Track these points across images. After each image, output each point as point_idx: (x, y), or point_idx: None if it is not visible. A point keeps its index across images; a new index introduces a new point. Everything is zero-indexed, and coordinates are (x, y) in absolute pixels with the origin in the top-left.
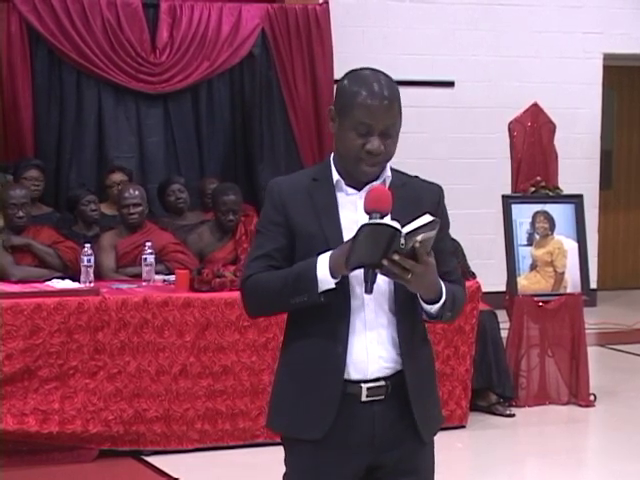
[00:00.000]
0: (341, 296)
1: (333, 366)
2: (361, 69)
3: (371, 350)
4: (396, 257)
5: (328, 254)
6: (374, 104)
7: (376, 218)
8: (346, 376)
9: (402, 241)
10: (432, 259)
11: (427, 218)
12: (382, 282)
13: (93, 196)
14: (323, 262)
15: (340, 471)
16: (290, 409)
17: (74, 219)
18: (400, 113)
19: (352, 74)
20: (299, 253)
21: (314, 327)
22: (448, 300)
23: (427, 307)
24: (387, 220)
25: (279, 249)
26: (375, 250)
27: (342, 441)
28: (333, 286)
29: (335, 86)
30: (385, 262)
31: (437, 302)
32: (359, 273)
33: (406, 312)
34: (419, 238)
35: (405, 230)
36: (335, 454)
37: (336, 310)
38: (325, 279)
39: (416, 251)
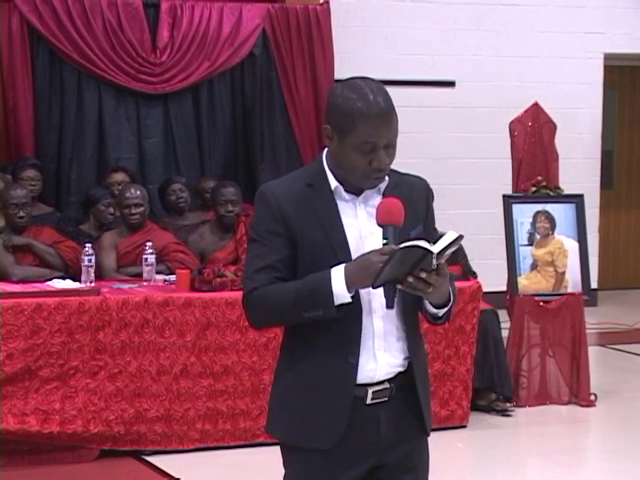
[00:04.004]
0: (352, 308)
1: (344, 376)
2: (351, 80)
3: (380, 357)
4: (423, 275)
5: (342, 267)
6: (376, 121)
7: (390, 231)
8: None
9: (434, 262)
10: (447, 270)
11: (453, 235)
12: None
13: (113, 199)
14: (338, 276)
15: (345, 475)
16: (297, 418)
17: (85, 218)
18: (397, 120)
19: (342, 86)
20: (303, 262)
21: (323, 338)
22: (454, 302)
23: (435, 311)
24: (420, 242)
25: (282, 260)
26: (402, 268)
27: (349, 445)
28: (349, 300)
29: (328, 102)
30: (410, 279)
31: (445, 306)
32: (369, 290)
33: (411, 317)
34: (445, 254)
35: (436, 250)
36: (341, 459)
37: (347, 322)
38: (341, 293)
39: (439, 266)
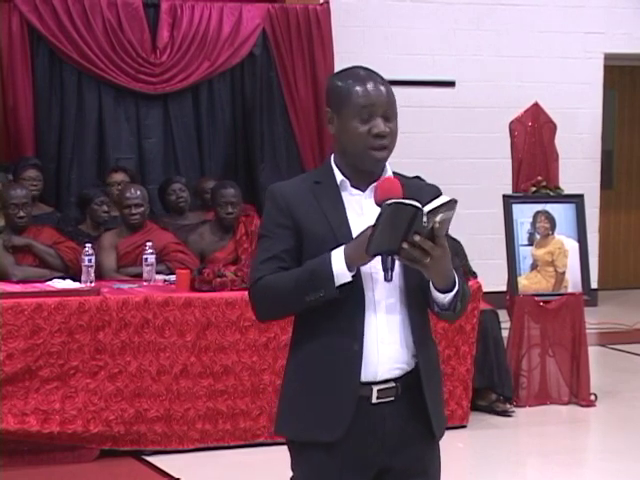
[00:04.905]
0: (355, 292)
1: (349, 364)
2: (346, 68)
3: (382, 351)
4: (417, 238)
5: (341, 248)
6: (370, 88)
7: None
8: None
9: (424, 219)
10: (446, 243)
11: (445, 198)
12: (394, 278)
13: (106, 197)
14: (338, 256)
15: (352, 475)
16: (303, 411)
17: (82, 217)
18: (394, 98)
19: (338, 73)
20: (308, 255)
21: (327, 325)
22: (460, 289)
23: (440, 297)
24: (409, 201)
25: (288, 251)
26: (395, 234)
27: (354, 445)
28: (350, 279)
29: (326, 89)
30: (405, 245)
31: (450, 291)
32: (371, 271)
33: (417, 312)
34: (438, 218)
35: (426, 209)
36: (347, 458)
37: (350, 308)
38: (342, 272)
39: (435, 232)
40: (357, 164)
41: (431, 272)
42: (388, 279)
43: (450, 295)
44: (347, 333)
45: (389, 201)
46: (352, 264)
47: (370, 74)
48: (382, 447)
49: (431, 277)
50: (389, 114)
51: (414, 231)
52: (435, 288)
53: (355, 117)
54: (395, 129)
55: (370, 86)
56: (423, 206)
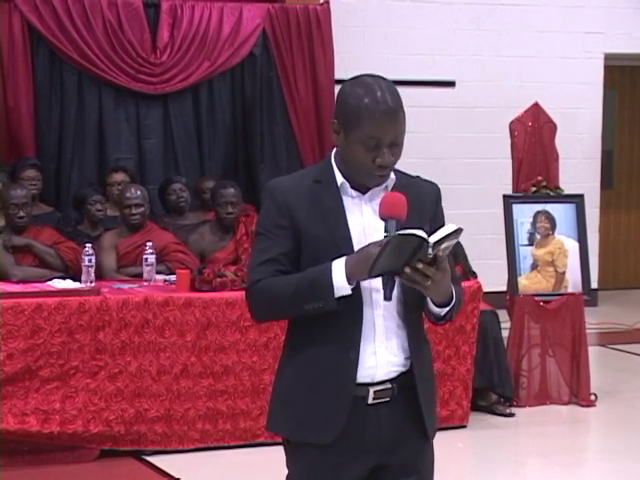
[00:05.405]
0: (354, 302)
1: (344, 371)
2: (361, 77)
3: (380, 355)
4: (420, 265)
5: (343, 260)
6: (381, 117)
7: (392, 224)
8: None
9: (430, 251)
10: (447, 265)
11: (451, 227)
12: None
13: (100, 196)
14: (339, 268)
15: (346, 473)
16: (298, 412)
17: (80, 218)
18: (405, 119)
19: (352, 83)
20: (306, 256)
21: (324, 332)
22: (456, 302)
23: (437, 310)
24: (416, 230)
25: (286, 253)
26: (399, 258)
27: (349, 444)
28: (349, 292)
29: (335, 95)
30: (407, 270)
31: (447, 305)
32: (370, 285)
33: (413, 316)
34: (442, 246)
35: (432, 240)
36: (342, 457)
37: (348, 316)
38: (341, 285)
39: (437, 259)
40: (357, 179)
41: (430, 292)
42: (387, 297)
43: (446, 309)
44: (344, 342)
45: (398, 232)
46: (352, 278)
47: (385, 95)
48: (378, 446)
49: (430, 296)
50: (397, 140)
51: (417, 258)
52: (433, 303)
53: (361, 143)
54: (400, 151)
55: (382, 115)
56: (429, 235)
